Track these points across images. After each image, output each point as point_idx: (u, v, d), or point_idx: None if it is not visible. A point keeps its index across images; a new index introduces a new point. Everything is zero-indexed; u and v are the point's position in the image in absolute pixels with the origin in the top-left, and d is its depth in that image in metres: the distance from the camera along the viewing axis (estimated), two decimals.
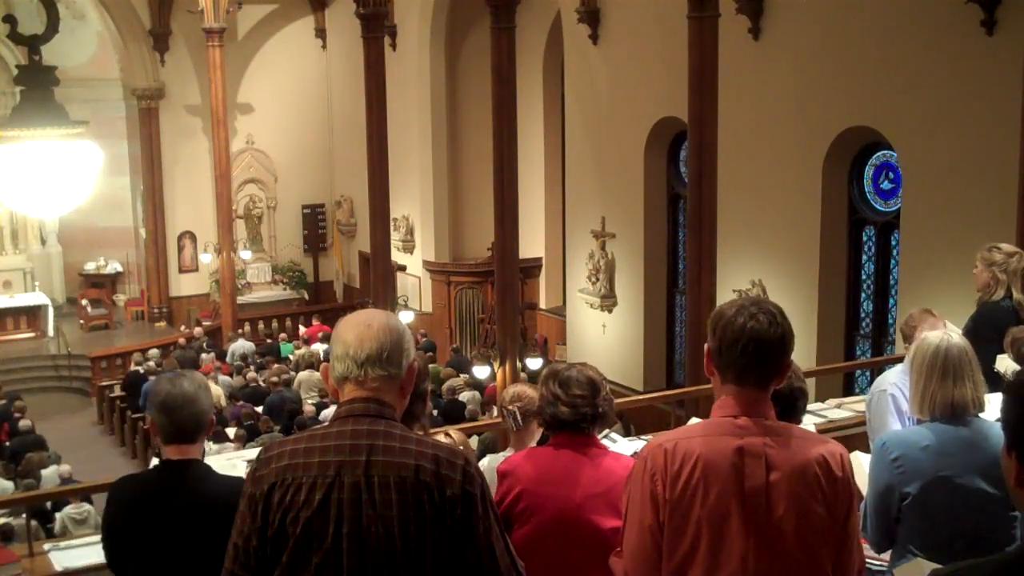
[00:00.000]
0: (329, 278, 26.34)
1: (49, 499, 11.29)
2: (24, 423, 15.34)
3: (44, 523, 11.21)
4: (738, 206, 13.88)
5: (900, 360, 5.20)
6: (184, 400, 3.41)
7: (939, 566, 2.50)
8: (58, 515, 11.46)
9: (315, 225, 26.05)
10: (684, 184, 15.18)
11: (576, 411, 3.61)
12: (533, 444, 4.19)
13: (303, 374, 16.86)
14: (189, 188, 24.06)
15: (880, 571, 3.80)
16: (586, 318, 18.14)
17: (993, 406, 3.73)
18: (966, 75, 11.43)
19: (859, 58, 12.71)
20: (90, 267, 25.04)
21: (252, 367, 17.92)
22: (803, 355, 12.31)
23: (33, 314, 23.22)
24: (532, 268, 20.68)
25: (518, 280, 15.31)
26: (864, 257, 13.82)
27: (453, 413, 14.13)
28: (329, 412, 13.34)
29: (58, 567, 5.68)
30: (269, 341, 20.77)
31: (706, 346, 2.83)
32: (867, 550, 3.55)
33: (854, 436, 6.25)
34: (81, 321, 23.91)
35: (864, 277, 13.85)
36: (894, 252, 13.31)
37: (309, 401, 15.50)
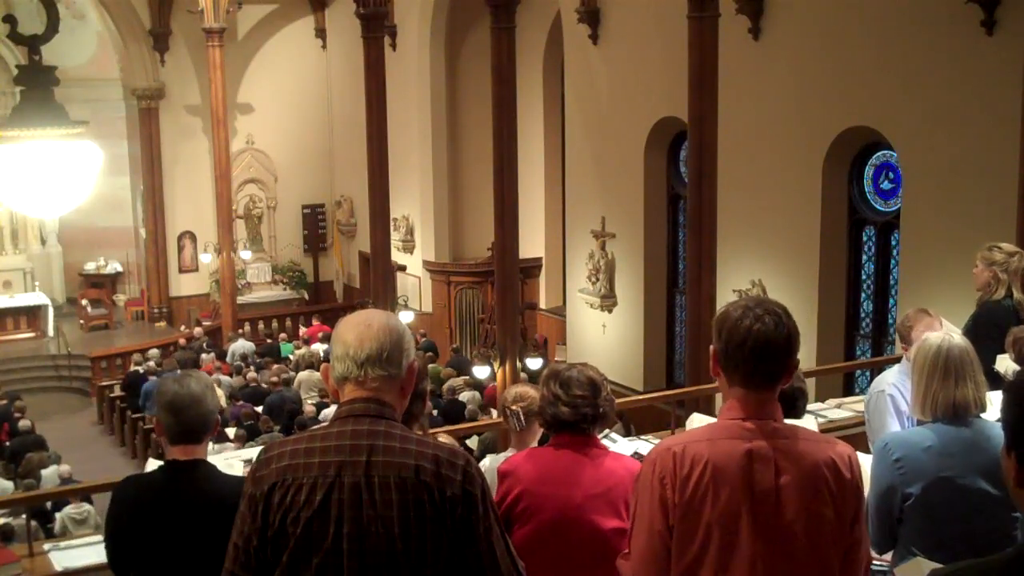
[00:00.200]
0: (329, 278, 26.33)
1: (49, 499, 11.29)
2: (24, 423, 15.34)
3: (44, 523, 11.21)
4: (738, 206, 13.88)
5: (900, 360, 5.20)
6: (191, 400, 3.41)
7: (940, 566, 2.50)
8: (58, 515, 11.46)
9: (315, 225, 26.05)
10: (684, 184, 15.18)
11: (577, 411, 3.61)
12: (534, 444, 4.18)
13: (303, 374, 16.86)
14: (189, 188, 24.06)
15: (881, 572, 3.80)
16: (586, 318, 18.14)
17: (995, 406, 3.73)
18: (966, 75, 11.43)
19: (859, 58, 12.71)
20: (90, 267, 25.04)
21: (252, 367, 17.92)
22: (803, 355, 12.26)
23: (33, 314, 23.22)
24: (532, 268, 20.68)
25: (518, 280, 15.31)
26: (864, 257, 13.82)
27: (453, 413, 14.14)
28: (329, 412, 13.34)
29: (58, 567, 5.69)
30: (269, 341, 20.77)
31: (712, 348, 2.82)
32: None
33: (854, 436, 6.24)
34: (81, 321, 23.91)
35: (864, 277, 13.85)
36: (894, 252, 13.31)
37: (309, 401, 15.50)
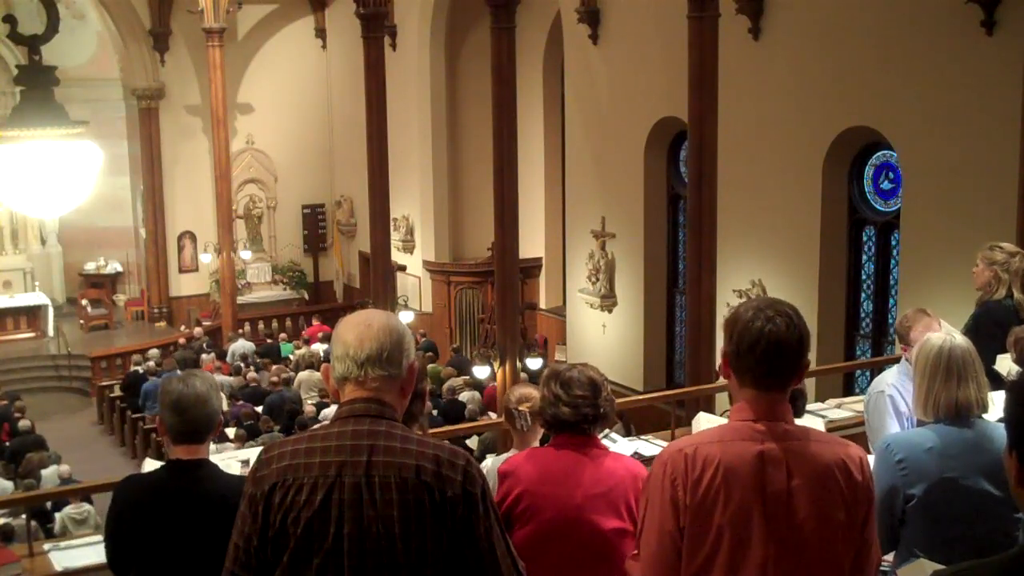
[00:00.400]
0: (329, 278, 26.33)
1: (49, 499, 11.29)
2: (24, 423, 15.34)
3: (44, 523, 11.20)
4: (738, 206, 13.88)
5: (899, 360, 5.20)
6: (196, 400, 3.41)
7: (943, 567, 2.50)
8: (58, 515, 11.46)
9: (315, 225, 26.05)
10: (684, 184, 15.18)
11: (578, 412, 3.61)
12: (536, 444, 4.18)
13: (303, 374, 16.86)
14: (189, 188, 24.06)
15: (884, 572, 3.80)
16: (586, 318, 18.14)
17: (996, 406, 3.73)
18: (966, 75, 11.43)
19: (859, 58, 12.71)
20: (90, 267, 25.03)
21: (252, 367, 17.92)
22: None
23: (33, 314, 23.22)
24: (532, 268, 20.68)
25: (518, 280, 15.30)
26: (864, 257, 13.82)
27: (453, 413, 14.14)
28: (329, 412, 13.34)
29: (58, 567, 5.68)
30: (269, 341, 20.77)
31: (722, 349, 2.82)
32: None
33: (853, 436, 6.24)
34: (81, 321, 23.91)
35: (864, 277, 13.85)
36: (894, 252, 13.31)
37: (309, 401, 15.50)
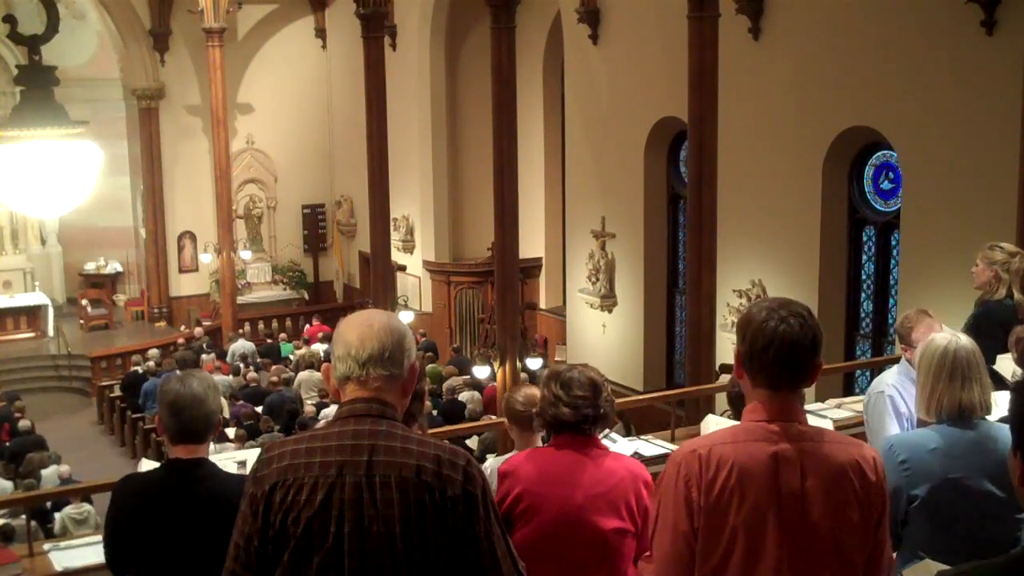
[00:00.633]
0: (329, 278, 26.34)
1: (49, 499, 11.29)
2: (24, 423, 15.35)
3: (44, 523, 11.20)
4: (738, 206, 13.88)
5: (899, 361, 5.19)
6: (194, 400, 3.41)
7: (948, 568, 2.50)
8: (58, 515, 11.46)
9: (315, 225, 26.05)
10: (684, 184, 15.18)
11: (578, 412, 3.61)
12: (538, 445, 4.18)
13: (303, 374, 16.86)
14: (189, 188, 24.05)
15: None
16: (586, 318, 18.14)
17: (999, 407, 3.73)
18: (966, 75, 11.43)
19: (859, 58, 12.71)
20: (90, 267, 25.04)
21: (252, 367, 17.92)
22: None
23: (33, 314, 23.22)
24: (532, 268, 20.68)
25: (518, 280, 15.31)
26: (864, 257, 13.82)
27: (453, 413, 14.14)
28: (329, 412, 13.35)
29: (58, 567, 5.68)
30: (269, 341, 20.77)
31: (735, 350, 2.81)
32: None
33: (854, 437, 6.23)
34: (81, 321, 23.91)
35: (864, 277, 13.85)
36: (894, 252, 13.31)
37: (309, 401, 15.50)
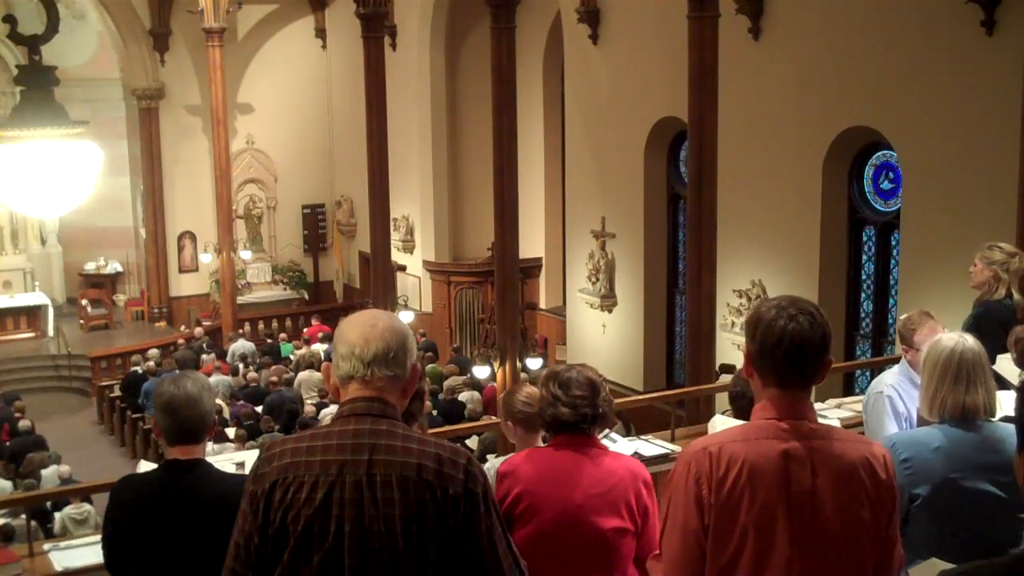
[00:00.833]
0: (329, 278, 26.34)
1: (49, 499, 11.29)
2: (24, 423, 15.35)
3: (44, 523, 11.20)
4: (738, 206, 13.88)
5: (899, 361, 5.19)
6: (188, 401, 3.41)
7: (952, 566, 2.50)
8: (58, 515, 11.46)
9: (315, 225, 26.05)
10: (684, 184, 15.18)
11: (577, 412, 3.61)
12: (539, 445, 4.17)
13: (303, 374, 16.85)
14: (189, 188, 24.06)
15: None
16: (586, 318, 18.14)
17: (1002, 407, 3.73)
18: (966, 75, 11.43)
19: (859, 58, 12.71)
20: (90, 267, 25.04)
21: (252, 367, 17.92)
22: None
23: (33, 314, 23.22)
24: (532, 268, 20.68)
25: (518, 280, 15.31)
26: (864, 257, 13.83)
27: (453, 413, 14.14)
28: (329, 412, 13.35)
29: (58, 567, 5.69)
30: (269, 341, 20.77)
31: (744, 348, 2.81)
32: None
33: None
34: (81, 321, 23.91)
35: (864, 277, 13.85)
36: (894, 252, 13.31)
37: (309, 401, 15.50)
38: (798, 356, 2.70)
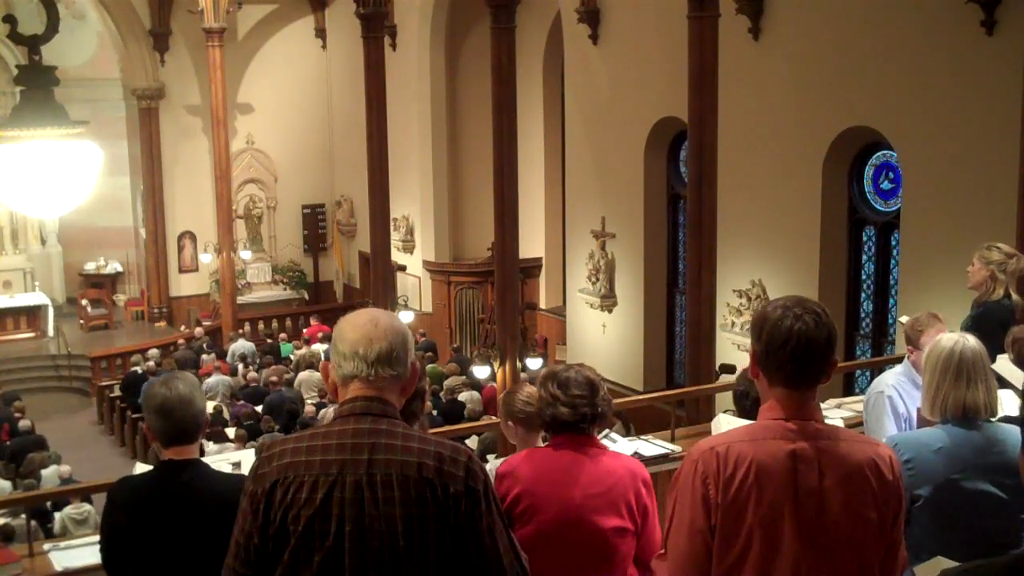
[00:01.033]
0: (329, 278, 26.34)
1: (49, 499, 11.30)
2: (24, 423, 15.35)
3: (44, 523, 11.20)
4: (738, 206, 13.88)
5: (900, 360, 5.19)
6: (180, 402, 3.41)
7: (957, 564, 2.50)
8: (58, 515, 11.46)
9: (315, 225, 26.06)
10: (684, 184, 15.18)
11: (576, 411, 3.61)
12: (539, 445, 4.17)
13: (303, 374, 16.86)
14: (189, 188, 24.06)
15: None
16: (586, 318, 18.14)
17: (1003, 407, 3.74)
18: (966, 75, 11.43)
19: (859, 58, 12.71)
20: (90, 267, 25.04)
21: (252, 367, 17.92)
22: None
23: (33, 314, 23.23)
24: (532, 268, 20.68)
25: (518, 280, 15.30)
26: (864, 257, 13.83)
27: (453, 413, 14.14)
28: (328, 410, 13.35)
29: (58, 567, 5.69)
30: (269, 341, 20.77)
31: (750, 349, 2.81)
32: None
33: None
34: (81, 321, 23.91)
35: (864, 277, 13.85)
36: (894, 252, 13.31)
37: (310, 401, 15.51)
38: (804, 356, 2.70)
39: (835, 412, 7.47)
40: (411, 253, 22.46)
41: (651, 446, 7.15)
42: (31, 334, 23.11)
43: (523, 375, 14.39)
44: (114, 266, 25.24)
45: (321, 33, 25.36)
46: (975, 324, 5.65)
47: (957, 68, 11.54)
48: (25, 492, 11.14)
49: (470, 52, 21.22)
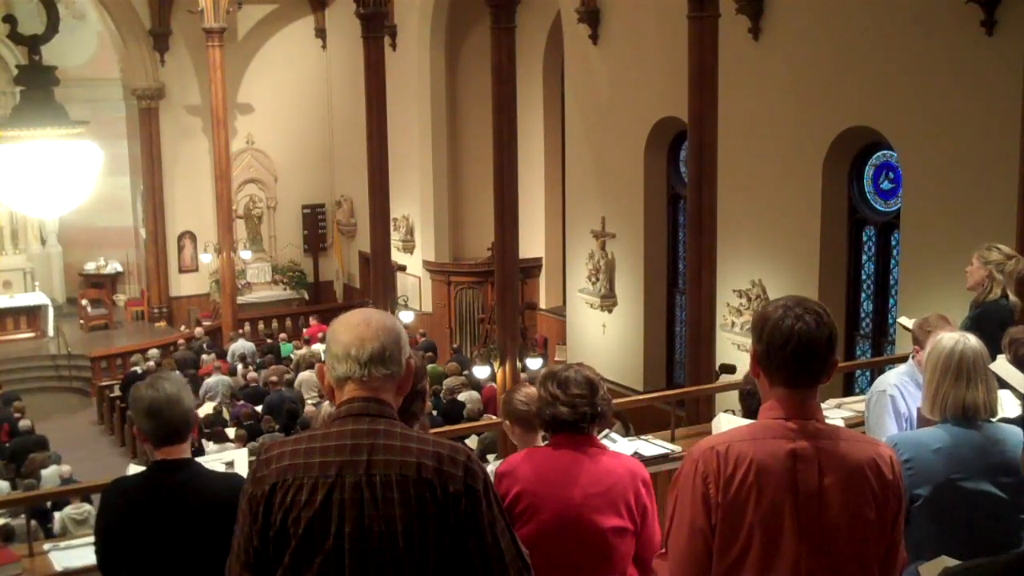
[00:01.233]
0: (329, 278, 26.34)
1: (49, 499, 11.29)
2: (24, 423, 15.35)
3: (44, 523, 11.20)
4: (738, 206, 13.88)
5: (900, 360, 5.19)
6: (168, 402, 3.40)
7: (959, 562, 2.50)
8: (58, 515, 11.46)
9: (315, 225, 26.06)
10: (684, 184, 15.18)
11: (575, 411, 3.61)
12: (539, 444, 4.17)
13: (303, 374, 16.86)
14: (189, 188, 24.06)
15: None
16: (586, 318, 18.14)
17: (1003, 407, 3.73)
18: (966, 75, 11.43)
19: (859, 58, 12.71)
20: (90, 267, 25.05)
21: (252, 367, 17.91)
22: None
23: (33, 314, 23.23)
24: (532, 268, 20.69)
25: (518, 280, 15.31)
26: (864, 257, 13.83)
27: (453, 413, 14.14)
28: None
29: (58, 567, 5.69)
30: (269, 341, 20.78)
31: (751, 349, 2.81)
32: None
33: None
34: (81, 321, 23.91)
35: (864, 277, 13.85)
36: (894, 252, 13.31)
37: (309, 401, 15.51)
38: (805, 355, 2.70)
39: (835, 412, 7.46)
40: (411, 253, 22.46)
41: (651, 446, 7.15)
42: (31, 334, 23.12)
43: (523, 375, 14.40)
44: (114, 266, 25.24)
45: (321, 33, 25.36)
46: (975, 325, 5.65)
47: (957, 68, 11.54)
48: (25, 492, 11.13)
49: (470, 52, 21.23)
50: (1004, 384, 4.44)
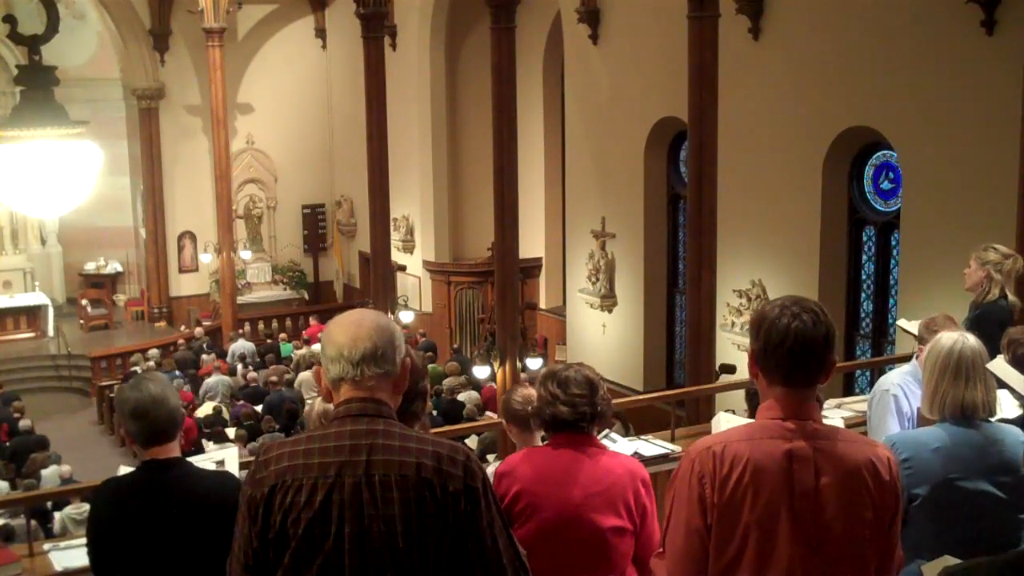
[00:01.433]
0: (329, 278, 26.34)
1: (49, 499, 11.29)
2: (24, 423, 15.35)
3: (44, 523, 11.20)
4: (738, 206, 13.88)
5: (900, 360, 5.19)
6: (153, 402, 3.39)
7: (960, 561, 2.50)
8: (57, 515, 11.46)
9: (315, 225, 26.06)
10: (684, 184, 15.18)
11: (575, 410, 3.61)
12: (538, 444, 4.18)
13: (304, 374, 16.87)
14: (189, 188, 24.07)
15: None
16: (586, 318, 18.14)
17: (1002, 407, 3.73)
18: (966, 75, 11.43)
19: (859, 58, 12.71)
20: (90, 267, 25.05)
21: (251, 367, 17.91)
22: None
23: (33, 314, 23.23)
24: (532, 268, 20.68)
25: (518, 280, 15.31)
26: (864, 257, 13.83)
27: (453, 413, 14.15)
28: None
29: (58, 567, 5.69)
30: (269, 341, 20.78)
31: (749, 348, 2.82)
32: None
33: None
34: (81, 321, 23.91)
35: (864, 277, 13.85)
36: (894, 252, 13.31)
37: (309, 401, 15.49)
38: (802, 355, 2.70)
39: (835, 412, 7.45)
40: (411, 253, 22.46)
41: (651, 446, 7.14)
42: (31, 334, 23.12)
43: (523, 375, 14.40)
44: (114, 266, 25.25)
45: (321, 33, 25.36)
46: (975, 326, 5.65)
47: (957, 68, 11.54)
48: (25, 492, 11.14)
49: (470, 52, 21.22)
50: (1003, 384, 4.44)
